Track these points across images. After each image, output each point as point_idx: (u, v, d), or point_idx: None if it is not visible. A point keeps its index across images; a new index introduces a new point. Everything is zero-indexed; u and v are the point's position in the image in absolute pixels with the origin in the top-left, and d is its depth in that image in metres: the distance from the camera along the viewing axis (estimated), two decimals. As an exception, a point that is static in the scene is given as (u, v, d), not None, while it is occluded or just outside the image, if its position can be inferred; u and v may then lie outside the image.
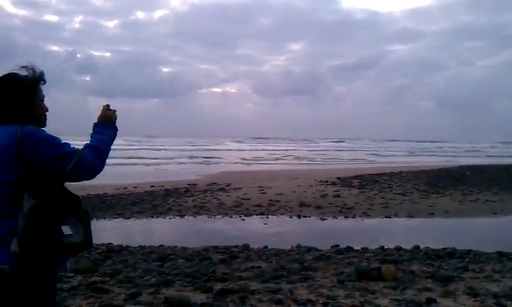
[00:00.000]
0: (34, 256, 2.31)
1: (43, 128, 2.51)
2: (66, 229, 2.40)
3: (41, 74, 2.56)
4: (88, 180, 2.50)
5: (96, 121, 2.66)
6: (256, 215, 14.19)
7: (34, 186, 2.32)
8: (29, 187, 2.31)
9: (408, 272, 7.11)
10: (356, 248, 9.46)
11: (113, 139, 2.66)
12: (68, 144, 2.45)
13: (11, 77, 2.50)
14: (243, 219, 13.58)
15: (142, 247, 9.26)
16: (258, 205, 15.57)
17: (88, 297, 5.75)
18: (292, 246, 9.57)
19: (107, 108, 2.69)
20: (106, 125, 2.65)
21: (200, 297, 5.83)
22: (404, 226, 13.33)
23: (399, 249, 9.26)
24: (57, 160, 2.37)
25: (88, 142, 2.56)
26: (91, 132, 2.62)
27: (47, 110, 2.62)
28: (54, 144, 2.40)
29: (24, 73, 2.52)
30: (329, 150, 67.68)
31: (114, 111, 2.71)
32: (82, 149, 2.48)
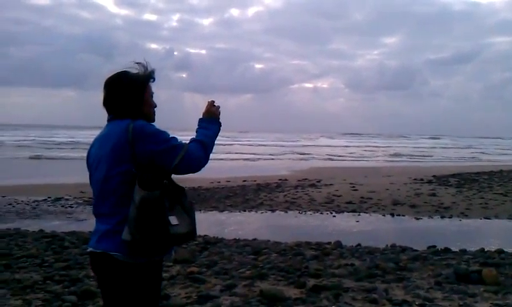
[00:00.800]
0: (144, 244, 2.45)
1: (152, 123, 2.65)
2: (173, 220, 2.55)
3: (152, 72, 2.70)
4: (193, 173, 2.60)
5: (201, 117, 2.77)
6: (348, 212, 14.04)
7: (144, 178, 2.45)
8: (140, 179, 2.44)
9: (510, 277, 6.75)
10: (453, 249, 9.10)
11: (217, 134, 2.76)
12: (175, 138, 2.57)
13: (123, 75, 2.66)
14: (334, 216, 13.49)
15: (236, 240, 9.47)
16: (350, 202, 15.40)
17: (186, 286, 5.99)
18: (387, 245, 9.38)
19: (211, 104, 2.79)
20: (211, 120, 2.75)
21: (293, 292, 5.89)
22: (505, 228, 12.63)
23: (500, 251, 8.80)
24: (165, 154, 2.50)
25: (194, 136, 2.67)
26: (197, 127, 2.73)
27: (155, 107, 2.76)
28: (162, 138, 2.53)
29: (135, 70, 2.67)
30: (425, 147, 65.39)
31: (218, 107, 2.80)
32: (188, 143, 2.59)
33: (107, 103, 2.67)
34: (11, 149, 43.57)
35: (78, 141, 59.14)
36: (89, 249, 2.62)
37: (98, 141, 2.66)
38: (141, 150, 2.47)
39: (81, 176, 21.97)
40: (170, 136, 2.56)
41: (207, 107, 2.79)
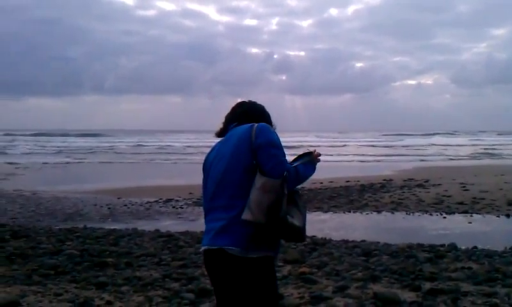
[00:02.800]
0: (263, 227, 2.53)
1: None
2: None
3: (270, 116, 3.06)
4: (272, 184, 2.61)
5: (306, 152, 2.92)
6: (459, 213, 13.40)
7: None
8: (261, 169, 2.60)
9: None
10: None
11: (309, 177, 2.89)
12: (284, 155, 2.70)
13: (262, 107, 3.04)
14: (444, 217, 12.94)
15: (345, 241, 9.38)
16: (461, 203, 14.69)
17: (299, 286, 6.03)
18: (505, 247, 8.85)
19: (318, 155, 2.95)
20: (312, 163, 2.90)
21: (408, 295, 5.73)
22: None
23: None
24: (267, 152, 2.63)
25: (295, 163, 2.80)
26: (299, 158, 2.87)
27: None
28: (273, 139, 2.69)
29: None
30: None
31: (319, 155, 2.95)
32: (289, 163, 2.75)
33: (238, 115, 2.96)
34: (122, 154, 46.22)
35: (184, 145, 61.59)
36: (204, 248, 2.73)
37: (220, 144, 2.87)
38: (256, 143, 2.63)
39: (189, 178, 22.81)
40: (282, 151, 2.70)
41: (314, 154, 2.93)
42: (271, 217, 2.53)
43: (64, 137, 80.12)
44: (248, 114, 2.94)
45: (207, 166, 2.88)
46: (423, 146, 58.52)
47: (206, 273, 6.25)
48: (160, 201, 16.64)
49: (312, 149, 3.02)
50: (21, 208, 15.45)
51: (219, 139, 2.94)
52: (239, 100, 3.11)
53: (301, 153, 2.92)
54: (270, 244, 2.65)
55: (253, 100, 3.09)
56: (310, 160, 2.88)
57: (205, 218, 2.83)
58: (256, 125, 2.73)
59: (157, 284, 6.04)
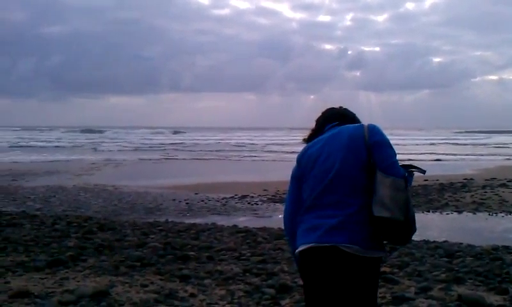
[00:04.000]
0: (400, 226, 2.52)
1: None
2: None
3: None
4: (389, 181, 2.58)
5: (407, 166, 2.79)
6: (548, 214, 12.72)
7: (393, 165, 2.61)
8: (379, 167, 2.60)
9: None
10: None
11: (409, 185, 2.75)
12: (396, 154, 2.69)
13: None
14: (531, 219, 12.32)
15: (426, 242, 9.14)
16: (549, 204, 13.93)
17: (380, 286, 5.94)
18: None
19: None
20: (411, 176, 2.77)
21: (494, 299, 5.52)
22: None
23: None
24: (384, 151, 2.62)
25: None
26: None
27: None
28: (387, 139, 2.69)
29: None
30: None
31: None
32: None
33: (337, 115, 2.98)
34: (197, 151, 47.23)
35: (257, 143, 62.13)
36: (310, 245, 2.60)
37: (322, 141, 2.80)
38: (371, 141, 2.62)
39: (263, 174, 23.00)
40: (395, 152, 2.69)
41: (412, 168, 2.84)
42: (407, 215, 2.53)
43: (142, 133, 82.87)
44: (345, 116, 2.97)
45: (308, 163, 2.78)
46: (506, 144, 55.86)
47: (286, 269, 6.34)
48: (235, 197, 16.89)
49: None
50: (104, 201, 16.16)
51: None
52: (329, 106, 3.11)
53: (405, 164, 2.84)
54: (382, 245, 2.64)
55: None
56: (410, 171, 2.80)
57: (306, 214, 2.70)
58: (367, 124, 2.74)
59: (238, 278, 6.16)
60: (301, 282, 5.95)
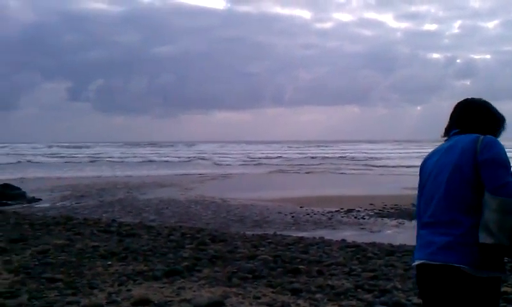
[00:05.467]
0: (505, 251, 2.38)
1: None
2: None
3: (505, 120, 2.80)
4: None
5: None
6: None
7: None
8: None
9: None
10: None
11: None
12: (510, 172, 2.47)
13: (488, 103, 2.82)
14: None
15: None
16: None
17: (503, 307, 5.59)
18: None
19: None
20: None
21: None
22: None
23: None
24: (491, 170, 2.45)
25: None
26: None
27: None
28: (499, 156, 2.48)
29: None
30: None
31: None
32: None
33: (461, 120, 2.79)
34: (300, 165, 47.37)
35: (362, 156, 61.23)
36: (419, 262, 2.62)
37: (440, 152, 2.72)
38: (481, 159, 2.48)
39: (370, 188, 22.58)
40: (509, 170, 2.48)
41: None
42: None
43: (246, 147, 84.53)
44: (473, 119, 2.76)
45: (424, 175, 2.77)
46: None
47: (399, 286, 6.16)
48: (341, 211, 16.71)
49: None
50: (213, 214, 16.67)
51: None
52: (465, 98, 2.91)
53: None
54: (499, 264, 2.50)
55: (479, 98, 2.87)
56: None
57: (421, 229, 2.71)
58: (482, 137, 2.56)
59: (349, 294, 6.06)
60: (415, 300, 5.78)
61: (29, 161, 52.17)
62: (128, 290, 5.86)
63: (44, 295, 5.50)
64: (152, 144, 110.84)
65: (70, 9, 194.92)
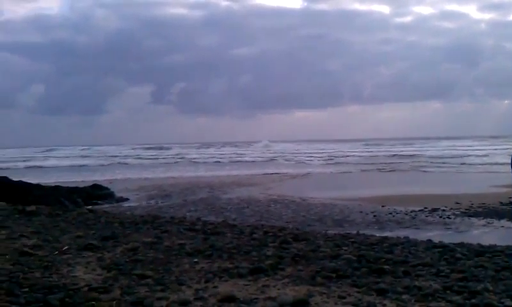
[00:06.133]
0: None
1: None
2: None
3: None
4: None
5: None
6: None
7: None
8: None
9: None
10: None
11: None
12: None
13: None
14: None
15: None
16: None
17: None
18: None
19: None
20: None
21: None
22: None
23: None
24: None
25: None
26: None
27: None
28: None
29: None
30: None
31: None
32: None
33: None
34: (385, 162, 46.42)
35: (445, 152, 59.14)
36: None
37: None
38: None
39: (455, 187, 21.82)
40: None
41: None
42: None
43: (329, 146, 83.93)
44: None
45: None
46: None
47: (491, 288, 5.90)
48: (425, 210, 16.25)
49: None
50: (293, 212, 16.72)
51: None
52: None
53: None
54: None
55: None
56: None
57: None
58: None
59: (438, 295, 5.88)
60: (508, 302, 5.52)
61: (117, 163, 54.61)
62: (215, 287, 6.00)
63: (135, 291, 5.72)
64: (232, 144, 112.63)
65: (152, 15, 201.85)
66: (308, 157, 59.11)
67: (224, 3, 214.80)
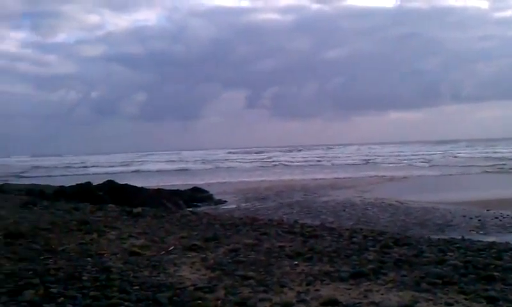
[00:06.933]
0: None
1: None
2: None
3: None
4: None
5: None
6: None
7: None
8: None
9: None
10: None
11: None
12: None
13: None
14: None
15: None
16: None
17: None
18: None
19: None
20: None
21: None
22: None
23: None
24: None
25: None
26: None
27: None
28: None
29: None
30: None
31: None
32: None
33: None
34: (492, 164, 44.13)
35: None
36: None
37: None
38: None
39: None
40: None
41: None
42: None
43: (423, 147, 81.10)
44: None
45: None
46: None
47: None
48: (537, 214, 15.28)
49: None
50: (391, 216, 16.34)
51: None
52: None
53: None
54: None
55: None
56: None
57: None
58: None
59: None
60: None
61: (215, 167, 56.11)
62: (316, 290, 6.00)
63: (238, 292, 5.86)
64: (325, 146, 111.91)
65: (245, 22, 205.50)
66: (404, 158, 57.49)
67: (315, 6, 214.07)
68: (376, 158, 60.83)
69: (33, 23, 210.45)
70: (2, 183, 21.96)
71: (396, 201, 19.76)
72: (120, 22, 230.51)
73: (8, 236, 8.04)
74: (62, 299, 5.08)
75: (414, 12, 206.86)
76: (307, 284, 6.27)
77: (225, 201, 22.01)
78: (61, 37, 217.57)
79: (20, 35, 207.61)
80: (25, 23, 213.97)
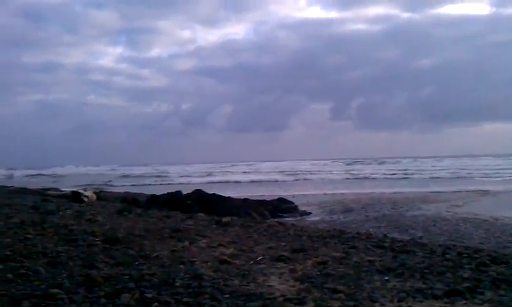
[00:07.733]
0: None
1: None
2: None
3: None
4: None
5: None
6: None
7: None
8: None
9: None
10: None
11: None
12: None
13: None
14: None
15: None
16: None
17: None
18: None
19: None
20: None
21: None
22: None
23: None
24: None
25: None
26: None
27: None
28: None
29: None
30: None
31: None
32: None
33: None
34: None
35: None
36: None
37: None
38: None
39: None
40: None
41: None
42: None
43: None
44: None
45: None
46: None
47: None
48: None
49: None
50: (485, 233, 15.59)
51: None
52: None
53: None
54: None
55: None
56: None
57: None
58: None
59: None
60: None
61: (302, 179, 56.07)
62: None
63: (328, 305, 5.80)
64: (414, 158, 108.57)
65: (331, 33, 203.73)
66: (499, 172, 54.58)
67: (405, 15, 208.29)
68: (468, 172, 58.21)
69: (129, 38, 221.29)
70: (99, 191, 23.14)
71: (491, 217, 18.81)
72: (209, 36, 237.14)
73: (106, 242, 8.46)
74: (156, 304, 5.25)
75: (510, 19, 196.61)
76: (399, 301, 6.11)
77: (310, 213, 21.91)
78: (155, 51, 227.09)
79: (116, 50, 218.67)
80: (121, 39, 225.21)
